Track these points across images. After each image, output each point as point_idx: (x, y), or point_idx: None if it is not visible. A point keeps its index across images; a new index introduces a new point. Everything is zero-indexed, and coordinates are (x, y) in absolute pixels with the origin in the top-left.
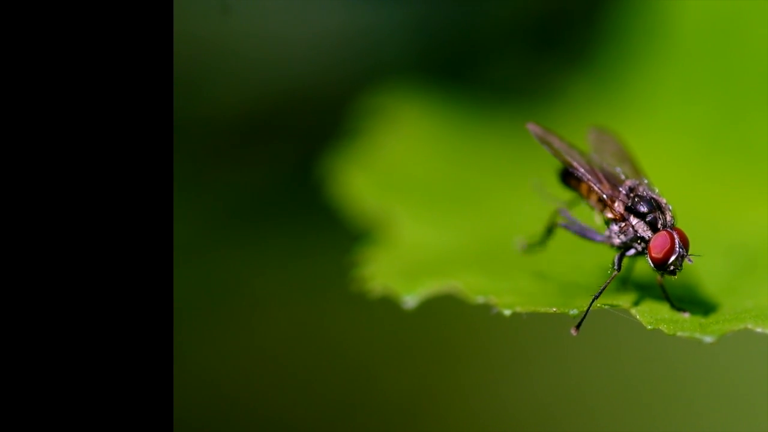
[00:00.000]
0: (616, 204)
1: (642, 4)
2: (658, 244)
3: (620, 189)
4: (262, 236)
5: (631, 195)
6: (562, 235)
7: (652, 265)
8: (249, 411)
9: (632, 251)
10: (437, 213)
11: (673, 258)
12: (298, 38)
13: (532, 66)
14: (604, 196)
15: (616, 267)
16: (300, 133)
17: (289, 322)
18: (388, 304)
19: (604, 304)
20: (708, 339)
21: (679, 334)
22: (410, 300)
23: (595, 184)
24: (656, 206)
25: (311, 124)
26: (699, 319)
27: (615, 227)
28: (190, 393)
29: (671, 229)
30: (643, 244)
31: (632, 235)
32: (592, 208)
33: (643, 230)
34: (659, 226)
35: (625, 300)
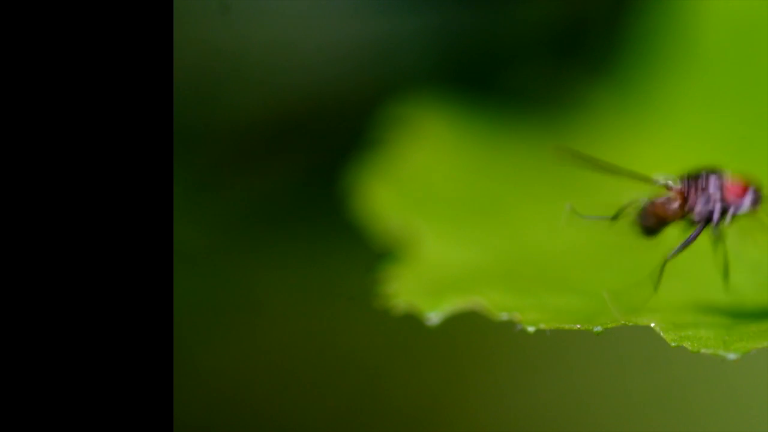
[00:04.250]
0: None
1: (664, 13)
2: (733, 185)
3: (684, 184)
4: (275, 242)
5: (690, 184)
6: (587, 251)
7: (736, 209)
8: (255, 416)
9: (716, 216)
10: (460, 227)
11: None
12: (318, 47)
13: (555, 75)
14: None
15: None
16: (320, 141)
17: (299, 327)
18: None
19: (627, 321)
20: (732, 356)
21: (702, 351)
22: (434, 317)
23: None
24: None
25: (331, 132)
26: (723, 336)
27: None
28: (195, 396)
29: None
30: (721, 203)
31: (709, 205)
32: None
33: (714, 194)
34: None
35: (648, 317)
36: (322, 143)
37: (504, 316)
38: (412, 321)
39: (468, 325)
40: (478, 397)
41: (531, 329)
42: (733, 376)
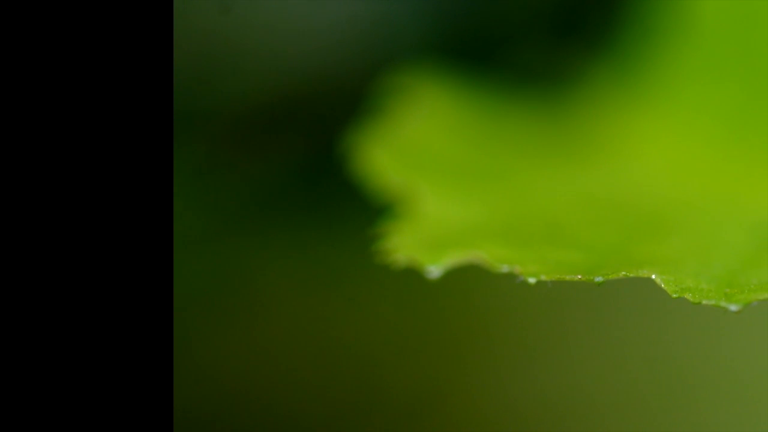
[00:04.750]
0: None
1: None
2: None
3: None
4: (275, 227)
5: None
6: (589, 207)
7: None
8: (254, 405)
9: None
10: (460, 187)
11: None
12: (316, 30)
13: (554, 50)
14: None
15: None
16: (319, 124)
17: (299, 314)
18: (395, 302)
19: (628, 272)
20: (733, 307)
21: (704, 302)
22: (435, 270)
23: None
24: None
25: (330, 114)
26: (724, 289)
27: None
28: (194, 384)
29: None
30: None
31: None
32: None
33: None
34: None
35: (648, 269)
36: (320, 126)
37: (504, 268)
38: (412, 311)
39: (467, 312)
40: (479, 386)
41: (532, 280)
42: (738, 360)
